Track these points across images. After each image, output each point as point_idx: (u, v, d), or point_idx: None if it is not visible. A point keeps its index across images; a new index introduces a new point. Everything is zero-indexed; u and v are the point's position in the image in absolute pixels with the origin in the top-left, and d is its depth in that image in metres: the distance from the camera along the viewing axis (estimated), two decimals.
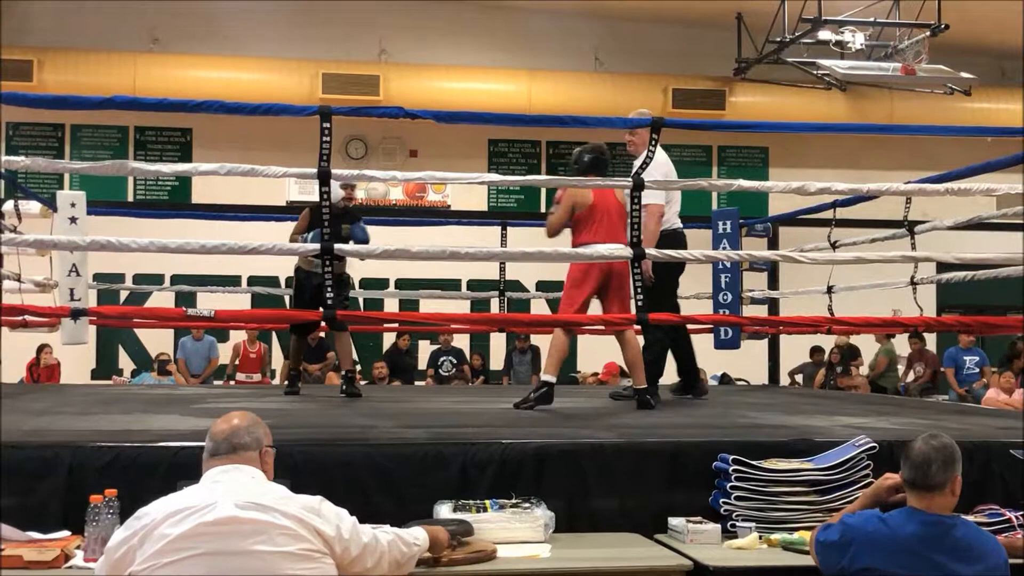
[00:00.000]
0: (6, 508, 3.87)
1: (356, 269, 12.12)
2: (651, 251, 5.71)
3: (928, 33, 13.37)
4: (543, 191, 16.24)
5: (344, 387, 7.65)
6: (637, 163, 6.21)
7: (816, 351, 14.47)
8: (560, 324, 6.68)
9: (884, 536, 3.30)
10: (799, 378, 14.40)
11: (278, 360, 14.79)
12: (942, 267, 7.49)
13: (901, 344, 14.66)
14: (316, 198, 5.51)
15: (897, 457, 4.28)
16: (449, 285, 13.50)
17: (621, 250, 5.83)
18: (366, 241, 7.54)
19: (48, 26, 14.63)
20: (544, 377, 6.48)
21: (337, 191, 7.33)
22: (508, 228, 9.57)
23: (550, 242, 6.77)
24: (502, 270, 9.59)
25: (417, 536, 3.48)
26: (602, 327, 7.21)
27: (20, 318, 7.26)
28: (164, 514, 3.01)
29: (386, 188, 15.57)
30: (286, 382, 8.33)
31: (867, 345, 14.85)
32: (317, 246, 5.48)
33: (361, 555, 3.20)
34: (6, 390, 8.39)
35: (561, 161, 16.19)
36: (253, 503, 3.03)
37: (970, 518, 3.71)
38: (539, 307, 13.13)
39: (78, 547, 3.64)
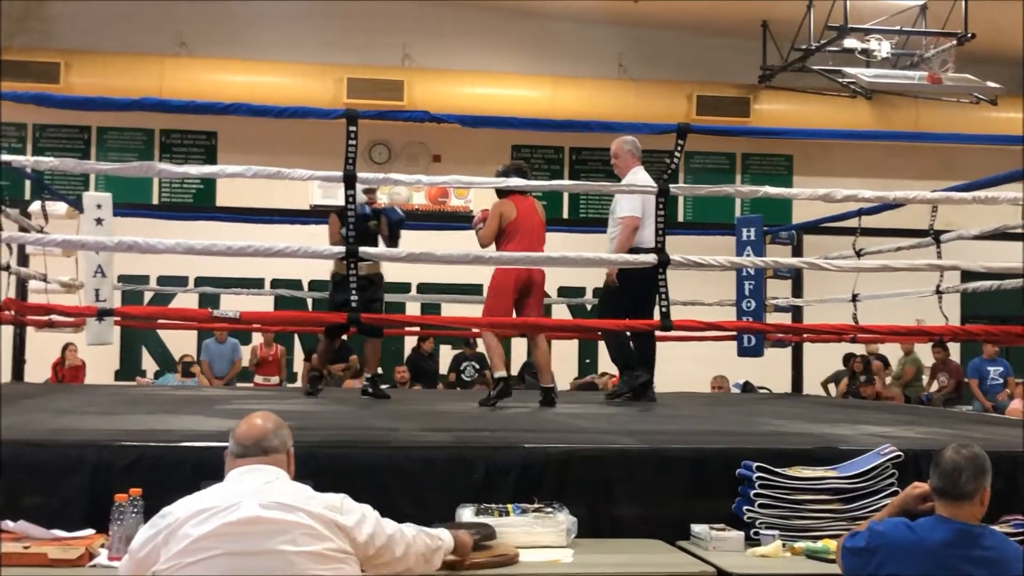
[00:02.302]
0: (31, 506, 3.90)
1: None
2: (676, 257, 5.66)
3: (955, 42, 13.29)
4: (566, 196, 16.28)
5: (370, 389, 7.70)
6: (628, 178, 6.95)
7: (849, 359, 14.36)
8: (579, 328, 6.75)
9: (911, 543, 3.29)
10: (832, 388, 14.30)
11: (300, 362, 14.84)
12: (966, 276, 7.44)
13: (921, 354, 14.60)
14: (340, 202, 5.52)
15: (922, 466, 4.28)
16: (471, 290, 13.45)
17: (646, 256, 5.82)
18: (402, 220, 7.69)
19: (76, 29, 14.70)
20: (497, 375, 6.91)
21: (360, 196, 7.45)
22: None
23: (573, 247, 6.79)
24: None
25: (441, 534, 3.49)
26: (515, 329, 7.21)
27: (46, 318, 7.30)
28: (188, 513, 3.01)
29: (409, 192, 15.59)
30: (307, 383, 8.36)
31: (892, 355, 14.78)
32: (343, 249, 5.49)
33: (387, 545, 3.20)
34: (32, 390, 8.46)
35: (584, 167, 16.21)
36: (277, 503, 3.04)
37: (996, 528, 3.68)
38: (560, 312, 13.10)
39: (102, 546, 3.65)
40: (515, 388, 7.06)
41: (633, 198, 7.04)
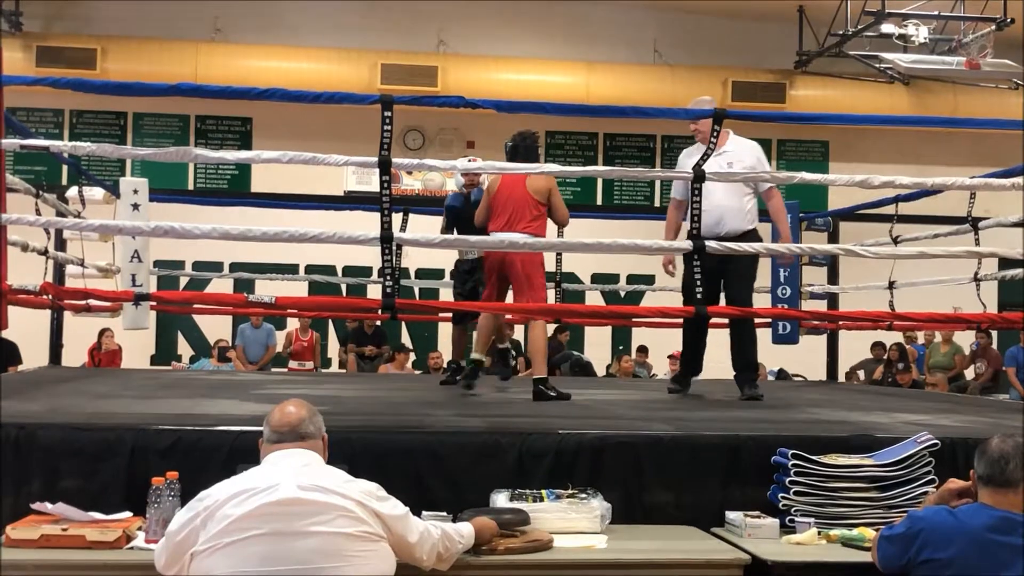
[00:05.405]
0: (70, 489, 3.94)
1: (412, 259, 12.20)
2: (711, 243, 5.62)
3: (993, 27, 13.16)
4: (600, 183, 16.23)
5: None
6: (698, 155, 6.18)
7: (876, 346, 14.29)
8: (616, 315, 6.70)
9: (952, 527, 3.28)
10: (860, 374, 14.23)
11: (334, 349, 14.89)
12: (1004, 264, 7.36)
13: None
14: (375, 188, 5.51)
15: (959, 454, 4.25)
16: None
17: (682, 243, 5.78)
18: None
19: (112, 15, 14.80)
20: (474, 356, 6.84)
21: (458, 178, 7.62)
22: None
23: (607, 233, 6.76)
24: (558, 262, 9.55)
25: (463, 533, 3.52)
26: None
27: (83, 302, 7.36)
28: (227, 495, 3.05)
29: (443, 179, 15.60)
30: (443, 371, 8.52)
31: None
32: (374, 235, 5.46)
33: (419, 542, 3.26)
34: (69, 374, 8.53)
35: (618, 153, 16.14)
36: (316, 485, 3.08)
37: None
38: (594, 299, 13.08)
39: (140, 528, 3.69)
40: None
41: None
